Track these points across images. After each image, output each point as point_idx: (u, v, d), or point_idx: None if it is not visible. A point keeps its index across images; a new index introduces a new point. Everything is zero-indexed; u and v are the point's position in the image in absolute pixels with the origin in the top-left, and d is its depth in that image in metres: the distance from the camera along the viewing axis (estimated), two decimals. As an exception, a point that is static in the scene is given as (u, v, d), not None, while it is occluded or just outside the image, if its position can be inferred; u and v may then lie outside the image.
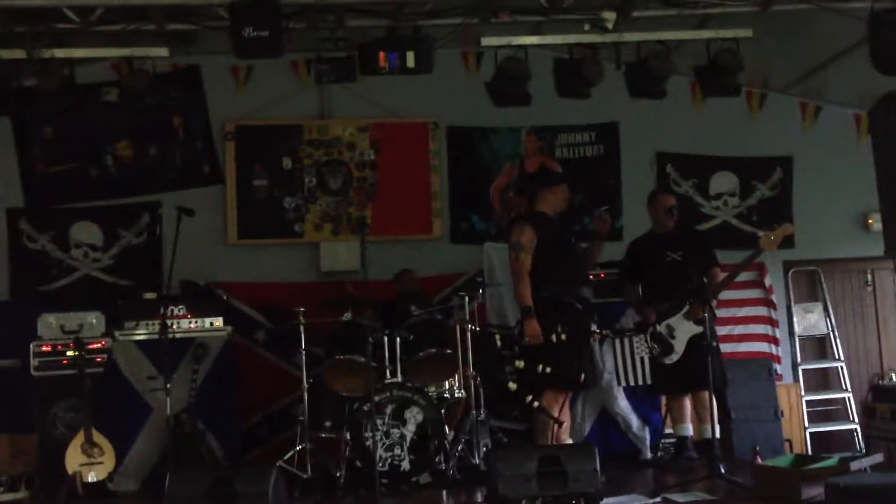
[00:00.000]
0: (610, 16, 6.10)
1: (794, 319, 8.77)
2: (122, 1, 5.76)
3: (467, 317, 6.59)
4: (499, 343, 6.43)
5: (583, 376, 5.98)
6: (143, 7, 5.88)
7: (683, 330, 6.40)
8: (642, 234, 7.11)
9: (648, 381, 7.06)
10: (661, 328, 6.48)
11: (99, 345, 7.01)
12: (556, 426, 5.98)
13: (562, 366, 5.95)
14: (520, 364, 6.10)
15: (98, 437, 6.54)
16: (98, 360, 6.97)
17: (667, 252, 6.61)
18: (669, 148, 8.65)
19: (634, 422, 7.21)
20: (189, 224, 6.44)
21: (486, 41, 6.23)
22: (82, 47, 6.20)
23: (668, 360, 6.55)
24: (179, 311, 7.06)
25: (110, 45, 6.23)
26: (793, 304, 8.81)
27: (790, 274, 8.82)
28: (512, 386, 6.16)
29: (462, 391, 6.63)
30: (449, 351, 6.65)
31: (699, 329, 6.20)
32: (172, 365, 6.60)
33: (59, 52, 6.08)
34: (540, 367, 5.94)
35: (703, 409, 6.40)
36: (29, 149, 7.94)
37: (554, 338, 5.89)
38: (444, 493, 5.99)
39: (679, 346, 6.47)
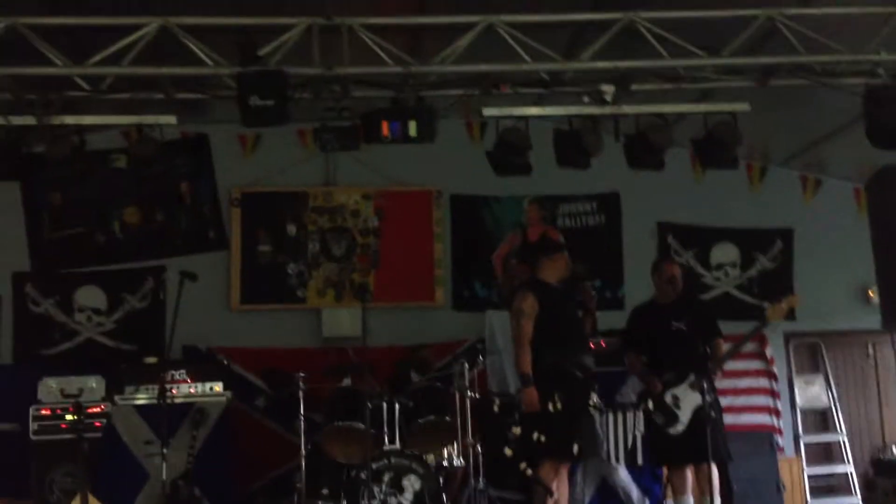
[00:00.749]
0: (609, 89, 6.20)
1: (796, 391, 8.73)
2: (132, 70, 5.89)
3: (467, 384, 6.56)
4: (496, 410, 6.38)
5: (577, 448, 5.91)
6: (153, 76, 6.02)
7: (689, 400, 6.34)
8: (645, 302, 7.12)
9: (641, 462, 6.99)
10: (666, 398, 6.43)
11: (98, 409, 7.02)
12: (548, 498, 5.90)
13: (556, 436, 5.89)
14: (517, 431, 6.05)
15: (95, 503, 6.47)
16: (97, 424, 6.96)
17: (671, 321, 6.58)
18: (671, 218, 8.73)
19: (635, 493, 7.13)
20: (192, 289, 6.46)
21: (488, 112, 6.34)
22: (92, 114, 6.32)
23: (672, 431, 6.47)
24: (180, 375, 7.07)
25: (120, 113, 6.36)
26: (794, 375, 8.77)
27: (791, 345, 8.80)
28: (508, 452, 6.11)
29: (461, 460, 6.57)
30: (448, 418, 6.62)
31: (704, 400, 6.16)
32: (171, 430, 6.58)
33: (69, 119, 6.18)
34: (535, 436, 5.89)
35: (705, 482, 6.32)
36: (36, 214, 8.08)
37: (550, 407, 5.85)
38: (444, 563, 5.91)
39: (684, 416, 6.39)
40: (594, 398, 6.06)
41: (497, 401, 6.57)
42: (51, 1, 5.91)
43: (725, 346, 6.50)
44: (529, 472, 5.97)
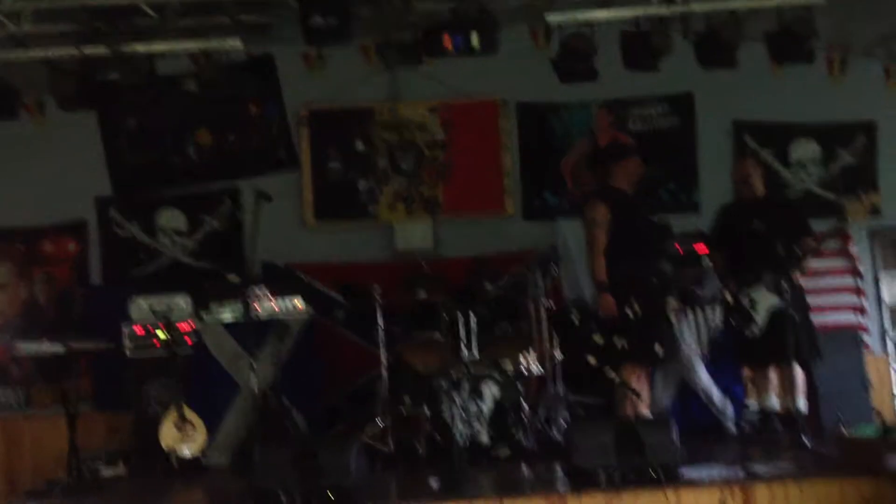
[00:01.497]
0: (678, -14, 6.00)
1: (882, 288, 8.54)
2: (197, -6, 5.94)
3: (542, 292, 6.59)
4: (576, 321, 6.44)
5: (660, 350, 5.97)
6: (218, 1, 6.04)
7: (765, 302, 6.30)
8: (732, 200, 6.98)
9: (721, 354, 6.97)
10: (742, 299, 6.38)
11: (187, 326, 7.27)
12: (635, 399, 5.99)
13: (637, 340, 5.95)
14: (598, 339, 6.11)
15: (190, 413, 6.81)
16: (187, 340, 7.24)
17: (753, 220, 6.46)
18: (747, 116, 8.45)
19: (716, 394, 7.12)
20: (268, 208, 6.62)
21: (552, 18, 6.21)
22: (160, 41, 6.40)
23: (748, 333, 6.46)
24: (262, 292, 7.24)
25: (188, 39, 6.42)
26: (880, 272, 8.56)
27: (876, 241, 8.57)
28: (592, 360, 6.18)
29: (539, 367, 6.67)
30: (524, 327, 6.69)
31: (781, 301, 6.10)
32: (257, 344, 6.87)
33: (139, 47, 6.29)
34: (617, 342, 5.95)
35: (788, 382, 6.31)
36: (114, 140, 8.23)
37: (629, 312, 5.89)
38: (523, 465, 6.04)
39: (760, 318, 6.36)
40: (672, 303, 6.07)
41: (575, 311, 6.61)
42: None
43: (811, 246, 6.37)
44: (616, 377, 6.05)
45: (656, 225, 6.39)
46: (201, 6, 6.11)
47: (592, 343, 6.17)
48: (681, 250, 7.29)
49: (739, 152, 8.37)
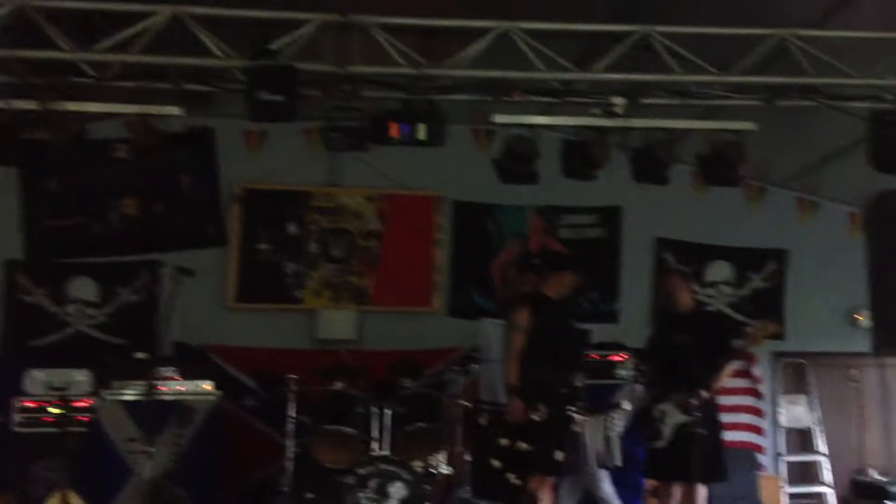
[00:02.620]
0: (620, 101, 6.21)
1: (780, 410, 8.78)
2: (140, 59, 5.80)
3: (459, 392, 6.54)
4: (484, 422, 6.38)
5: (560, 456, 5.92)
6: (161, 66, 5.94)
7: (673, 417, 6.35)
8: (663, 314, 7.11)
9: (619, 464, 7.00)
10: (654, 412, 6.43)
11: (85, 403, 6.85)
12: None
13: (540, 445, 5.92)
14: (504, 442, 6.05)
15: (75, 499, 6.35)
16: (82, 418, 6.80)
17: (675, 334, 6.57)
18: (669, 234, 8.75)
19: (618, 507, 7.11)
20: (188, 285, 6.42)
21: (499, 118, 6.32)
22: (96, 102, 6.23)
23: (655, 445, 6.49)
24: (170, 372, 6.95)
25: (124, 102, 6.26)
26: (779, 395, 8.82)
27: (778, 365, 8.86)
28: (496, 463, 6.09)
29: (449, 468, 6.53)
30: (438, 426, 6.59)
31: (688, 418, 6.18)
32: (158, 428, 6.50)
33: (73, 106, 6.09)
34: (521, 446, 5.91)
35: (691, 499, 6.33)
36: (33, 201, 7.92)
37: (535, 416, 5.88)
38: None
39: (667, 432, 6.40)
40: (580, 415, 6.06)
41: (486, 413, 6.54)
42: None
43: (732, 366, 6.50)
44: (517, 482, 5.96)
45: (577, 334, 6.42)
46: (144, 69, 5.97)
47: (497, 446, 6.09)
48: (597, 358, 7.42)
49: (660, 268, 8.62)
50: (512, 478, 6.00)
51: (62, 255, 7.94)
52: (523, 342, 6.10)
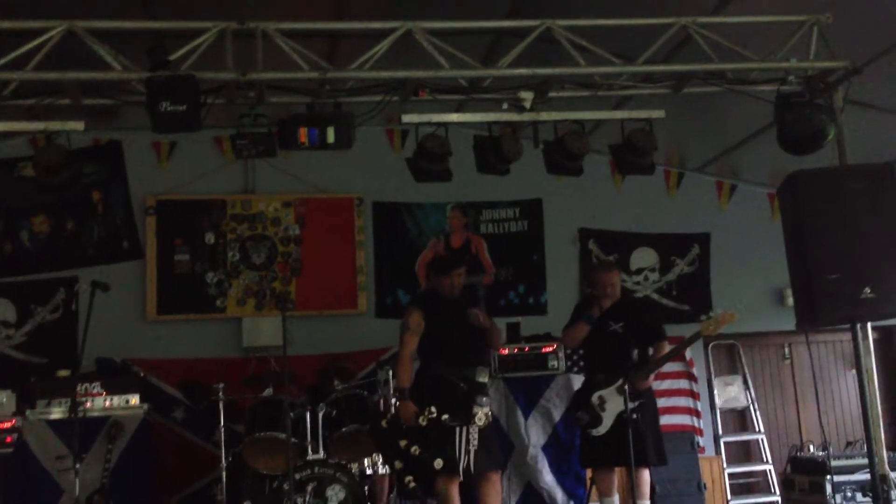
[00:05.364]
0: (527, 95, 6.23)
1: (715, 392, 8.91)
2: (37, 75, 5.67)
3: (391, 391, 6.51)
4: (385, 424, 6.30)
5: (440, 463, 5.79)
6: (58, 81, 5.82)
7: (614, 404, 6.38)
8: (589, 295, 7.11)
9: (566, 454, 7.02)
10: (593, 399, 6.46)
11: (9, 424, 6.75)
12: None
13: (430, 448, 5.83)
14: (403, 444, 5.98)
15: (3, 522, 6.27)
16: (7, 440, 6.70)
17: (609, 322, 6.60)
18: (591, 224, 8.82)
19: (560, 496, 7.19)
20: (107, 300, 6.31)
21: (407, 118, 6.30)
22: (-3, 121, 6.09)
23: (594, 433, 6.52)
24: (94, 388, 6.84)
25: (26, 120, 6.13)
26: (713, 377, 8.94)
27: (710, 348, 8.98)
28: (398, 465, 6.04)
29: (386, 467, 6.51)
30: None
31: (630, 404, 6.21)
32: (86, 445, 6.40)
33: (-29, 126, 5.96)
34: (412, 449, 5.83)
35: (633, 485, 6.38)
36: (-59, 224, 7.78)
37: (422, 420, 5.80)
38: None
39: (608, 419, 6.43)
40: (482, 410, 5.94)
41: (387, 416, 6.48)
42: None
43: (666, 350, 6.55)
44: (413, 484, 5.90)
45: (473, 330, 6.28)
46: (42, 85, 5.85)
47: (397, 448, 6.01)
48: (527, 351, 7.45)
49: (585, 258, 8.69)
50: (408, 480, 5.92)
51: (-27, 276, 7.78)
52: (413, 343, 6.05)
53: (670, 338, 6.55)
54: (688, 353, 8.69)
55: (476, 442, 5.84)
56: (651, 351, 6.49)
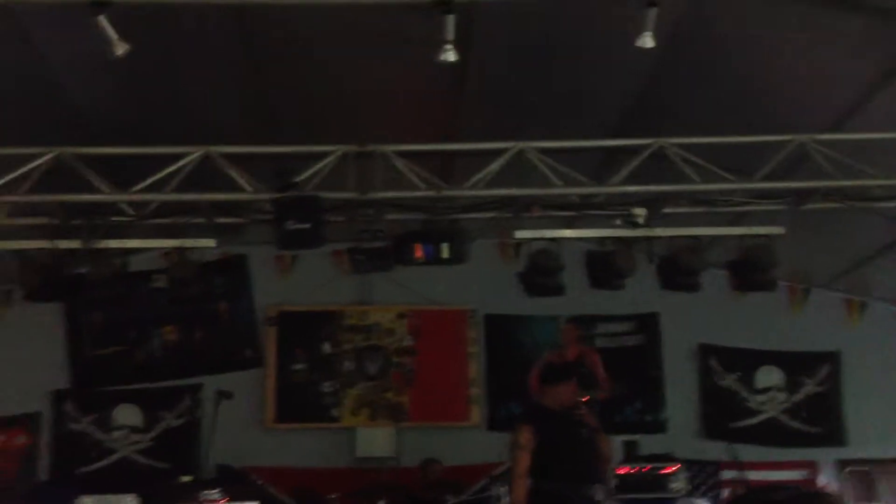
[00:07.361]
0: (640, 212, 6.20)
1: (855, 522, 8.33)
2: (176, 197, 6.04)
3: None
4: None
5: None
6: (195, 202, 6.18)
7: None
8: None
9: None
10: None
11: (133, 529, 6.92)
12: None
13: None
14: None
15: None
16: (131, 542, 6.87)
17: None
18: (711, 340, 8.56)
19: None
20: (228, 407, 6.52)
21: (520, 234, 6.39)
22: (135, 238, 6.49)
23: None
24: (215, 495, 6.96)
25: (161, 236, 6.52)
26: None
27: (843, 473, 8.44)
28: None
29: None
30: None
31: None
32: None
33: (113, 243, 6.37)
34: None
35: None
36: (77, 333, 8.22)
37: None
38: None
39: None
40: None
41: None
42: (96, 132, 6.12)
43: None
44: None
45: (586, 444, 6.07)
46: (178, 206, 6.24)
47: None
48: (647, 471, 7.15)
49: (705, 375, 8.41)
50: None
51: (107, 383, 8.18)
52: (527, 461, 5.91)
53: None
54: (821, 479, 8.22)
55: None
56: None
